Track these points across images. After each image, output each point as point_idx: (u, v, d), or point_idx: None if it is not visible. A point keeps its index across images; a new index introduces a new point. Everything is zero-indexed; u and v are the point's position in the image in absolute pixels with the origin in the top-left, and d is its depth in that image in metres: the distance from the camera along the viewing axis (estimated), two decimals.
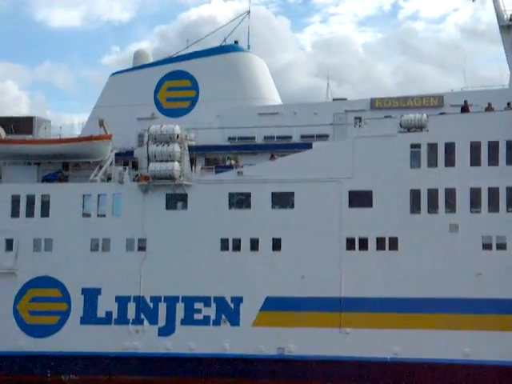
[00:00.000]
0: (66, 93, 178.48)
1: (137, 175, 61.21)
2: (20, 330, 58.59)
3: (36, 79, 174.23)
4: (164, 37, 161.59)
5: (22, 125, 66.79)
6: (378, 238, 54.88)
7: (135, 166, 63.31)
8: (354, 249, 55.22)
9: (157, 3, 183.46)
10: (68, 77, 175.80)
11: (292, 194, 56.85)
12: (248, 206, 57.53)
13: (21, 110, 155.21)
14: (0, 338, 58.36)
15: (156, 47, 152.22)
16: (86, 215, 59.75)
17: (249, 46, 66.47)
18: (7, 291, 59.04)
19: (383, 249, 54.84)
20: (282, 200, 57.03)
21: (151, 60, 68.02)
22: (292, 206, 56.85)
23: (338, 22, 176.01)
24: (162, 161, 58.58)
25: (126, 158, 63.55)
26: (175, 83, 65.48)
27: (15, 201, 60.40)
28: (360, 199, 55.47)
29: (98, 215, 59.58)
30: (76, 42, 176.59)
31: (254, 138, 62.61)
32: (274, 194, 57.05)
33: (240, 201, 57.81)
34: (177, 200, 58.76)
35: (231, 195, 57.87)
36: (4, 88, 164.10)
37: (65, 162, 63.47)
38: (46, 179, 61.60)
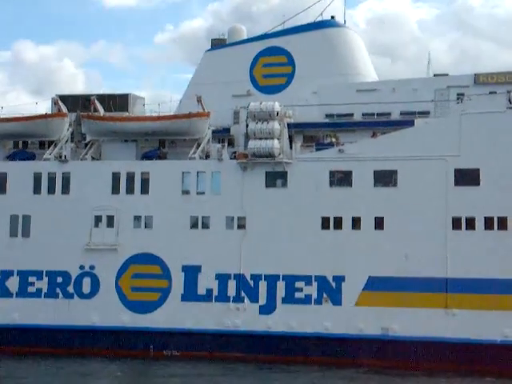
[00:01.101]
0: (120, 71, 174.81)
1: (234, 153, 58.36)
2: (122, 305, 56.23)
3: (91, 57, 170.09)
4: (217, 15, 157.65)
5: (117, 102, 64.34)
6: (486, 218, 50.98)
7: (231, 143, 60.28)
8: (461, 228, 51.40)
9: None
10: (122, 55, 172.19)
11: (395, 172, 53.09)
12: (349, 184, 53.99)
13: (77, 87, 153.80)
14: (103, 313, 56.18)
15: (209, 26, 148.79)
16: (186, 192, 56.87)
17: (345, 21, 62.59)
18: (109, 267, 56.80)
19: (491, 228, 50.94)
20: (385, 178, 53.37)
21: (245, 36, 64.68)
22: (395, 185, 53.12)
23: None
24: (261, 138, 55.36)
25: (222, 135, 60.87)
26: (271, 59, 61.90)
27: (115, 178, 57.85)
28: (467, 177, 51.55)
29: (197, 193, 56.72)
30: (130, 20, 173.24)
31: (352, 115, 58.87)
32: (376, 172, 53.41)
33: (341, 179, 54.54)
34: (276, 178, 55.52)
35: (332, 173, 54.36)
36: (61, 66, 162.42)
37: (161, 140, 60.77)
38: (146, 156, 58.90)
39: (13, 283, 57.77)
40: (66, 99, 62.86)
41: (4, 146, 61.71)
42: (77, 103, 63.90)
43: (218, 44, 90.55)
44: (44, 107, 64.08)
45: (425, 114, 56.84)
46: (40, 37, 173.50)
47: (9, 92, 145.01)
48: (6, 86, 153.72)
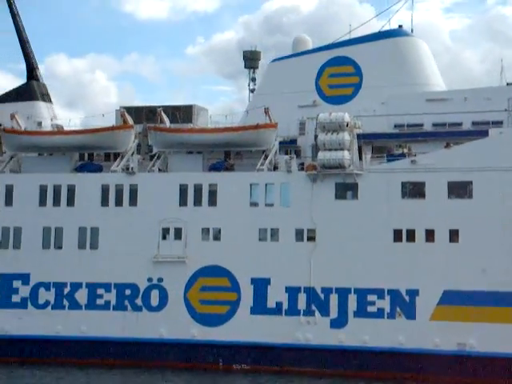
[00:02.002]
0: (152, 83, 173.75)
1: (301, 164, 56.01)
2: (191, 318, 54.10)
3: (123, 70, 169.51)
4: (248, 27, 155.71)
5: (181, 113, 62.48)
6: None
7: (297, 155, 57.94)
8: None
9: None
10: (154, 67, 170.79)
11: (470, 183, 50.39)
12: (422, 195, 51.31)
13: (110, 99, 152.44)
14: (172, 326, 54.17)
15: (240, 37, 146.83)
16: (254, 205, 54.60)
17: (412, 30, 59.94)
18: (177, 279, 54.70)
19: None
20: (459, 189, 50.66)
21: (311, 46, 62.36)
22: (470, 196, 50.41)
23: (424, 8, 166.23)
24: (331, 149, 52.95)
25: (288, 146, 58.51)
26: (337, 69, 59.53)
27: (183, 190, 55.77)
28: None
29: (265, 205, 54.37)
30: (162, 33, 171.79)
31: (422, 125, 56.14)
32: (450, 184, 50.72)
33: (413, 190, 51.93)
34: (346, 189, 53.08)
35: (404, 184, 51.83)
36: (93, 78, 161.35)
37: (226, 151, 58.73)
38: (213, 168, 56.81)
39: (81, 295, 55.96)
40: (129, 111, 61.12)
41: (71, 158, 60.29)
42: (140, 115, 62.26)
43: (249, 56, 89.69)
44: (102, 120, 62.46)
45: (498, 123, 53.88)
46: (72, 50, 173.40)
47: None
48: None
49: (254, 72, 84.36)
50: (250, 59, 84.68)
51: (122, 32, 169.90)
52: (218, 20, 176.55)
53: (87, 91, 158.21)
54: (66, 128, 65.25)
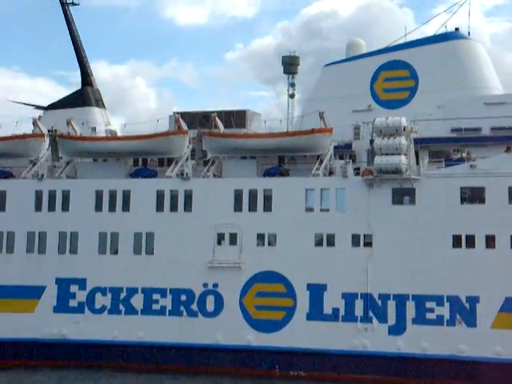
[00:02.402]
0: (191, 89, 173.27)
1: (356, 169, 54.92)
2: (247, 324, 53.33)
3: (163, 76, 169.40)
4: (286, 32, 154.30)
5: (235, 118, 61.87)
6: None
7: (351, 159, 56.72)
8: None
9: None
10: (193, 73, 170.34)
11: None
12: (482, 200, 49.95)
13: (150, 105, 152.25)
14: (227, 332, 53.48)
15: (279, 43, 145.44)
16: (310, 210, 53.64)
17: (469, 33, 58.48)
18: (233, 285, 54.00)
19: None
20: None
21: (365, 50, 61.27)
22: None
23: (464, 12, 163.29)
24: (387, 154, 51.80)
25: (343, 151, 57.48)
26: (393, 73, 58.30)
27: (238, 195, 55.01)
28: None
29: (321, 210, 53.44)
30: (201, 39, 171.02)
31: (480, 130, 54.79)
32: (511, 189, 49.44)
33: (473, 195, 50.53)
34: (404, 194, 51.82)
35: (463, 189, 50.51)
36: (133, 84, 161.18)
37: (280, 156, 57.82)
38: (268, 173, 55.98)
39: (137, 300, 55.55)
40: (182, 116, 60.49)
41: (125, 164, 60.01)
42: (194, 120, 61.79)
43: (288, 61, 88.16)
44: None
45: None
46: (113, 57, 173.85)
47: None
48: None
49: (293, 77, 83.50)
50: (289, 64, 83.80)
51: (162, 38, 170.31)
52: (257, 25, 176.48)
53: (127, 97, 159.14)
54: (118, 134, 65.47)
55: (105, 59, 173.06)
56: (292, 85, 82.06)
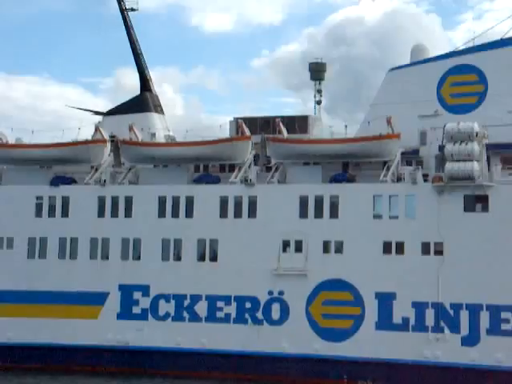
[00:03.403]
0: (218, 95, 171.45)
1: (425, 175, 52.82)
2: (314, 332, 51.72)
3: (189, 82, 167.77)
4: (312, 39, 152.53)
5: (297, 124, 60.27)
6: None
7: (418, 165, 54.77)
8: None
9: (306, 5, 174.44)
10: (220, 80, 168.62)
11: None
12: None
13: (177, 111, 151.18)
14: (294, 340, 51.87)
15: (304, 49, 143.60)
16: (377, 217, 51.84)
17: None
18: (299, 293, 52.36)
19: None
20: None
21: (430, 55, 59.23)
22: None
23: (492, 18, 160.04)
24: (459, 160, 49.91)
25: (409, 157, 55.43)
26: (460, 78, 55.78)
27: (303, 202, 53.45)
28: None
29: (389, 217, 51.58)
30: (228, 45, 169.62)
31: None
32: None
33: None
34: (476, 202, 49.81)
35: None
36: (160, 91, 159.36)
37: (345, 162, 56.05)
38: (335, 179, 54.20)
39: (201, 308, 54.19)
40: (243, 121, 59.42)
41: (187, 170, 58.74)
42: (254, 125, 60.32)
43: (315, 68, 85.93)
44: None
45: None
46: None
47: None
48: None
49: (319, 84, 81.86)
50: (316, 71, 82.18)
51: (189, 45, 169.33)
52: (283, 32, 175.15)
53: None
54: (177, 139, 64.28)
55: (132, 66, 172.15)
56: (319, 91, 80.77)
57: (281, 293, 53.03)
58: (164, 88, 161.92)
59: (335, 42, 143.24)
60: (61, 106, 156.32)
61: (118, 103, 66.92)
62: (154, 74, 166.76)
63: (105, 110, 68.31)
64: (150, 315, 55.15)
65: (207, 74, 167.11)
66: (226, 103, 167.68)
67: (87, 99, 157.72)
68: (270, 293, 53.23)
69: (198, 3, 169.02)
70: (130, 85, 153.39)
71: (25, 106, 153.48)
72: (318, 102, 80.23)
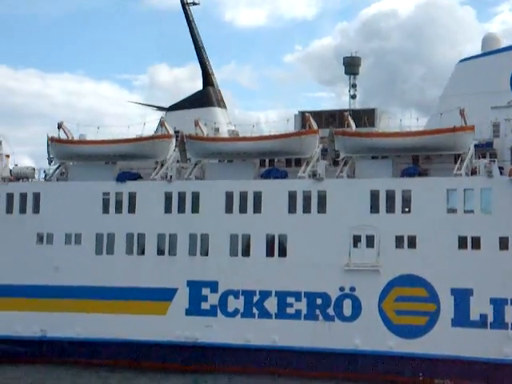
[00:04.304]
0: (250, 91, 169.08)
1: (500, 168, 50.63)
2: (387, 329, 50.22)
3: (222, 78, 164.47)
4: (345, 33, 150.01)
5: (364, 116, 58.71)
6: None
7: (492, 158, 52.47)
8: None
9: None
10: (252, 75, 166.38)
11: None
12: None
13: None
14: (366, 337, 50.46)
15: (337, 44, 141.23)
16: (452, 211, 50.07)
17: None
18: (371, 289, 50.94)
19: None
20: None
21: (502, 45, 57.19)
22: None
23: None
24: None
25: (483, 149, 53.48)
26: None
27: (374, 196, 51.86)
28: None
29: (464, 211, 49.84)
30: (260, 40, 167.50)
31: None
32: None
33: None
34: None
35: None
36: (193, 87, 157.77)
37: (415, 155, 54.25)
38: (407, 173, 52.38)
39: (271, 304, 53.01)
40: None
41: (254, 165, 57.54)
42: (320, 119, 58.82)
43: (350, 62, 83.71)
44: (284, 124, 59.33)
45: None
46: (173, 60, 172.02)
47: (146, 115, 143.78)
48: (142, 108, 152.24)
49: (354, 78, 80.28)
50: (351, 65, 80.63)
51: (222, 40, 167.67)
52: (316, 27, 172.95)
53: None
54: (241, 134, 63.17)
55: (166, 62, 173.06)
56: (353, 85, 79.30)
57: (352, 289, 51.63)
58: (197, 84, 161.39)
59: (368, 36, 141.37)
60: (96, 103, 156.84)
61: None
62: (187, 71, 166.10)
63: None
64: (218, 311, 54.11)
65: (239, 69, 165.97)
66: (259, 99, 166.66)
67: (123, 96, 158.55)
68: (342, 289, 51.86)
69: None
70: (164, 81, 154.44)
71: (60, 102, 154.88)
72: (353, 97, 79.04)
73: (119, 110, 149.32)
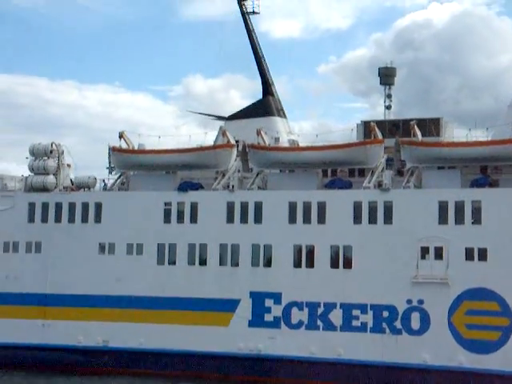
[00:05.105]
0: (285, 102, 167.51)
1: None
2: (457, 344, 48.55)
3: (257, 89, 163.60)
4: (379, 44, 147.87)
5: (429, 126, 57.19)
6: None
7: None
8: None
9: (375, 9, 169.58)
10: (287, 86, 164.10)
11: None
12: None
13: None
14: (435, 352, 48.72)
15: (372, 55, 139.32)
16: None
17: None
18: (440, 302, 49.27)
19: None
20: None
21: None
22: None
23: None
24: None
25: None
26: None
27: (443, 207, 50.20)
28: None
29: None
30: (295, 52, 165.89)
31: None
32: None
33: None
34: None
35: None
36: (227, 98, 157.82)
37: (483, 165, 52.68)
38: (477, 184, 50.61)
39: (336, 316, 51.69)
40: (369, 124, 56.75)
41: (317, 174, 56.29)
42: (383, 129, 57.36)
43: (385, 72, 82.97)
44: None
45: None
46: (208, 71, 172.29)
47: (181, 125, 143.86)
48: (177, 118, 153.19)
49: (389, 88, 79.25)
50: (386, 76, 79.56)
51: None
52: (350, 38, 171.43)
53: (221, 110, 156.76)
54: (301, 144, 62.10)
55: (200, 73, 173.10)
56: (388, 96, 77.92)
57: (420, 302, 50.01)
58: (231, 94, 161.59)
59: (403, 47, 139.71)
60: (131, 113, 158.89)
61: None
62: (222, 82, 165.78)
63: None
64: (282, 323, 52.95)
65: (274, 80, 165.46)
66: (293, 109, 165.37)
67: (158, 106, 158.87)
68: (409, 301, 50.27)
69: (267, 10, 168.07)
70: (199, 92, 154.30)
71: (96, 113, 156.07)
72: (388, 107, 77.87)
73: (154, 120, 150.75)
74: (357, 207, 52.60)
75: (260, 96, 65.87)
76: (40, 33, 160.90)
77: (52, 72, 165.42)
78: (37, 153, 61.33)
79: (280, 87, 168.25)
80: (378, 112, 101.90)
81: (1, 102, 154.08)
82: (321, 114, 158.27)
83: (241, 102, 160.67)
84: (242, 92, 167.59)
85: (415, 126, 53.90)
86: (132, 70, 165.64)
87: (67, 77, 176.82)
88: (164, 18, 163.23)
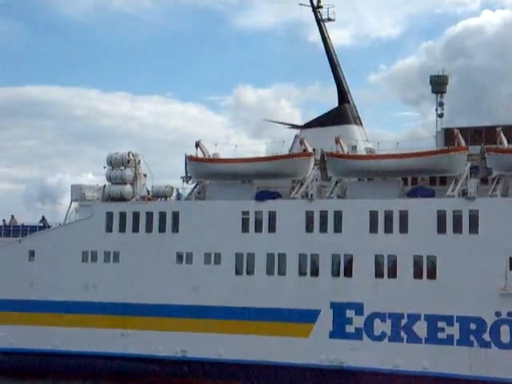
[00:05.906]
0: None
1: None
2: None
3: (307, 98, 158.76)
4: (430, 52, 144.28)
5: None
6: None
7: None
8: None
9: (426, 17, 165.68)
10: (335, 95, 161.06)
11: None
12: None
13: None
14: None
15: (421, 63, 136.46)
16: None
17: None
18: None
19: None
20: None
21: None
22: None
23: None
24: None
25: None
26: None
27: None
28: None
29: None
30: (344, 60, 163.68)
31: None
32: None
33: None
34: None
35: None
36: (278, 107, 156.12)
37: None
38: None
39: (420, 328, 50.03)
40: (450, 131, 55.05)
41: (398, 183, 54.64)
42: (465, 136, 55.64)
43: (437, 80, 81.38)
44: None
45: None
46: (258, 81, 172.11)
47: (231, 135, 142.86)
48: (228, 128, 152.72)
49: (441, 96, 77.40)
50: (438, 84, 77.66)
51: (306, 61, 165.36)
52: (401, 46, 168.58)
53: (272, 119, 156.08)
54: (377, 152, 60.62)
55: (251, 84, 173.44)
56: (440, 104, 75.94)
57: (510, 314, 47.95)
58: (282, 104, 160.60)
59: (454, 54, 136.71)
60: (183, 124, 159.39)
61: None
62: (272, 92, 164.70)
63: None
64: (364, 334, 51.66)
65: (324, 89, 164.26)
66: None
67: (209, 117, 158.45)
68: (498, 314, 48.32)
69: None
70: (249, 102, 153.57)
71: (148, 124, 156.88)
72: (440, 116, 76.13)
73: (205, 130, 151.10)
74: (440, 216, 50.90)
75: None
76: (93, 46, 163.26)
77: (105, 84, 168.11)
78: (114, 162, 61.27)
79: (329, 96, 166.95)
80: (428, 121, 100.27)
81: (56, 114, 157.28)
82: (371, 123, 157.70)
83: (291, 110, 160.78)
84: (292, 101, 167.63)
85: (501, 133, 52.13)
86: (183, 81, 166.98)
87: (120, 88, 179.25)
88: (213, 28, 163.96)
